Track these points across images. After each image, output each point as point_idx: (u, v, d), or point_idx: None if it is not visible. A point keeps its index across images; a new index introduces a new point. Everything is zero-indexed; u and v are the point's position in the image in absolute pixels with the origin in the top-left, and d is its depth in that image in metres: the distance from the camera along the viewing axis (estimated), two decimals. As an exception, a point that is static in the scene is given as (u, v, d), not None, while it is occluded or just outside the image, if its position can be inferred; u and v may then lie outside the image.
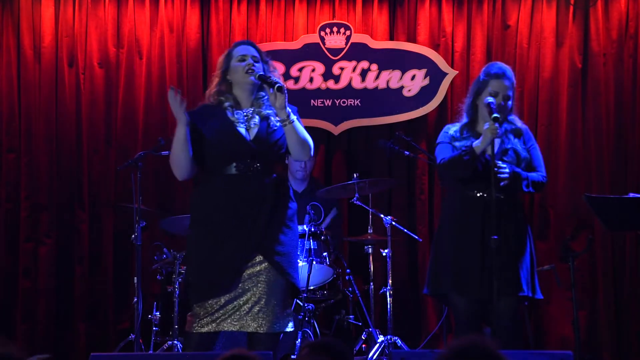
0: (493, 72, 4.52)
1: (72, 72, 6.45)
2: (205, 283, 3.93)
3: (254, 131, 4.04)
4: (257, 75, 4.03)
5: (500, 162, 4.38)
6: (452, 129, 4.57)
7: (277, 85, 3.91)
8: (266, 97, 4.08)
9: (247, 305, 3.89)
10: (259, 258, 3.93)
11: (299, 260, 5.31)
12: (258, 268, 3.93)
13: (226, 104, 4.08)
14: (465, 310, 4.41)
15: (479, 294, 4.32)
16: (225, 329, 3.89)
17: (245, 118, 4.06)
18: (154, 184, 6.39)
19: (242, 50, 4.14)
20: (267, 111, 4.06)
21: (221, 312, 3.88)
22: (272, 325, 3.91)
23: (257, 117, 4.07)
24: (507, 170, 4.36)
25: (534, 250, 4.56)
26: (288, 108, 3.98)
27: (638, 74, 6.51)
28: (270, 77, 4.01)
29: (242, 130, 4.03)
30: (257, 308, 3.89)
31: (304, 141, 4.04)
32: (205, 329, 3.89)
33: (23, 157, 6.39)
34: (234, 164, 3.99)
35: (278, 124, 4.02)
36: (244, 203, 3.95)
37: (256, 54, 4.14)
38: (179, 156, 3.98)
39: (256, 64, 4.09)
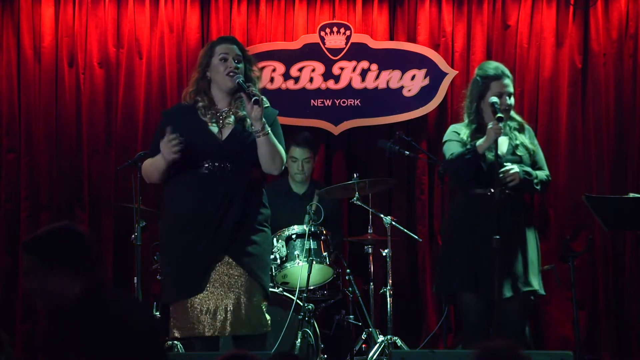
0: (492, 73, 4.54)
1: (72, 72, 6.45)
2: (175, 284, 3.93)
3: (227, 131, 3.99)
4: (236, 82, 3.98)
5: (507, 164, 4.39)
6: (463, 132, 4.57)
7: (254, 98, 3.84)
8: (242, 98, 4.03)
9: (221, 309, 3.87)
10: (228, 259, 3.92)
11: (299, 260, 5.32)
12: (227, 269, 3.92)
13: (200, 104, 4.03)
14: (476, 309, 4.42)
15: (491, 292, 4.32)
16: (206, 334, 3.88)
17: (219, 118, 4.01)
18: (154, 184, 6.37)
19: (225, 48, 4.07)
20: (242, 113, 4.01)
21: (200, 317, 3.87)
22: (247, 327, 3.90)
23: (232, 117, 4.02)
24: (515, 170, 4.37)
25: (539, 246, 4.58)
26: (263, 119, 3.92)
27: (638, 74, 6.51)
28: (249, 86, 3.93)
29: (215, 129, 3.99)
30: (230, 311, 3.88)
31: (275, 154, 3.96)
32: (181, 334, 3.87)
33: (23, 157, 6.39)
34: (205, 164, 3.95)
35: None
36: (212, 203, 3.91)
37: (239, 53, 4.08)
38: (152, 177, 4.06)
39: (239, 65, 4.04)
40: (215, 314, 3.86)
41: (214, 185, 3.93)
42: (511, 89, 4.53)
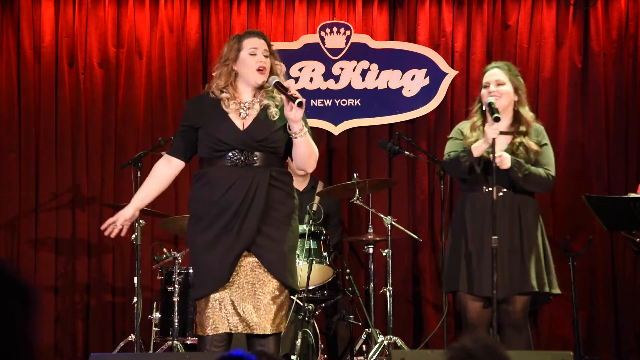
0: (484, 71, 4.57)
1: (72, 72, 6.45)
2: (202, 281, 3.91)
3: (248, 120, 3.95)
4: (273, 83, 3.93)
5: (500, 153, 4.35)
6: (465, 127, 4.56)
7: (298, 101, 3.74)
8: (269, 89, 3.99)
9: (243, 306, 3.86)
10: (252, 257, 3.89)
11: (299, 260, 5.29)
12: (252, 268, 3.89)
13: (223, 95, 3.99)
14: (473, 308, 4.42)
15: (489, 292, 4.31)
16: (228, 330, 3.87)
17: (242, 109, 3.97)
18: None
19: (254, 42, 4.03)
20: (266, 101, 3.97)
21: (222, 312, 3.86)
22: (268, 326, 3.87)
23: (256, 105, 3.99)
24: (503, 155, 4.34)
25: (547, 244, 4.53)
26: (302, 121, 3.84)
27: (638, 74, 6.52)
28: (288, 88, 3.83)
29: (237, 120, 3.95)
30: (253, 309, 3.86)
31: (311, 153, 3.90)
32: (212, 332, 3.86)
33: (23, 157, 6.39)
34: (227, 156, 3.91)
35: (276, 115, 3.94)
36: (236, 197, 3.86)
37: (267, 48, 4.06)
38: None
39: (266, 59, 4.01)
40: (240, 312, 3.84)
41: (237, 178, 3.86)
42: (499, 77, 4.48)
